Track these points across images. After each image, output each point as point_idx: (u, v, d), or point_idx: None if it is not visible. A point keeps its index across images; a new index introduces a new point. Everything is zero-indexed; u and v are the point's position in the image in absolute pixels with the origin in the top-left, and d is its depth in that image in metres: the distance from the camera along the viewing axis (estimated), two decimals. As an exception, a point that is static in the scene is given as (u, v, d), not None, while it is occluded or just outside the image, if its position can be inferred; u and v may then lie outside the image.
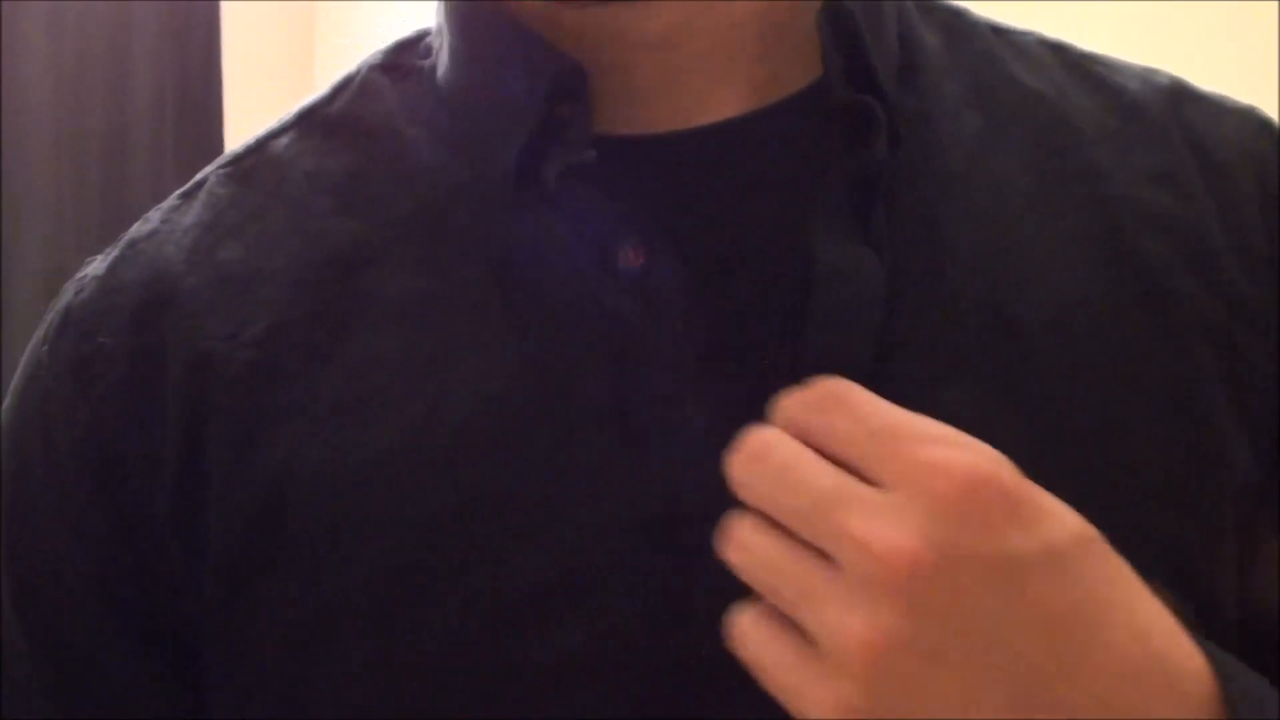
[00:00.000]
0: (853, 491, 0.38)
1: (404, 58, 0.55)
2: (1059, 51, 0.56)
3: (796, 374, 0.43)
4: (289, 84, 2.98)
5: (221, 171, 0.54)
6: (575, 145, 0.47)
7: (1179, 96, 0.55)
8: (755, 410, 0.42)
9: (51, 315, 0.53)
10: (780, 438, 0.39)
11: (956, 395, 0.47)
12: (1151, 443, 0.48)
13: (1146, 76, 0.56)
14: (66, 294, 0.53)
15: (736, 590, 0.40)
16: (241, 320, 0.49)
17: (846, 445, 0.39)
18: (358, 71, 0.56)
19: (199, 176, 0.55)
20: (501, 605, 0.45)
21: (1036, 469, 0.40)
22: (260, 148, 0.54)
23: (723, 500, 0.41)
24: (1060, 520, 0.38)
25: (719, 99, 0.50)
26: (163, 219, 0.53)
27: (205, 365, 0.48)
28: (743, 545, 0.39)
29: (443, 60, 0.53)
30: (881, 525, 0.37)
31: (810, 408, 0.40)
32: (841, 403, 0.39)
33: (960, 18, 0.56)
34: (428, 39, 0.55)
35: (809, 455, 0.39)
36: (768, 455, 0.39)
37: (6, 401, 0.53)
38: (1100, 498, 0.42)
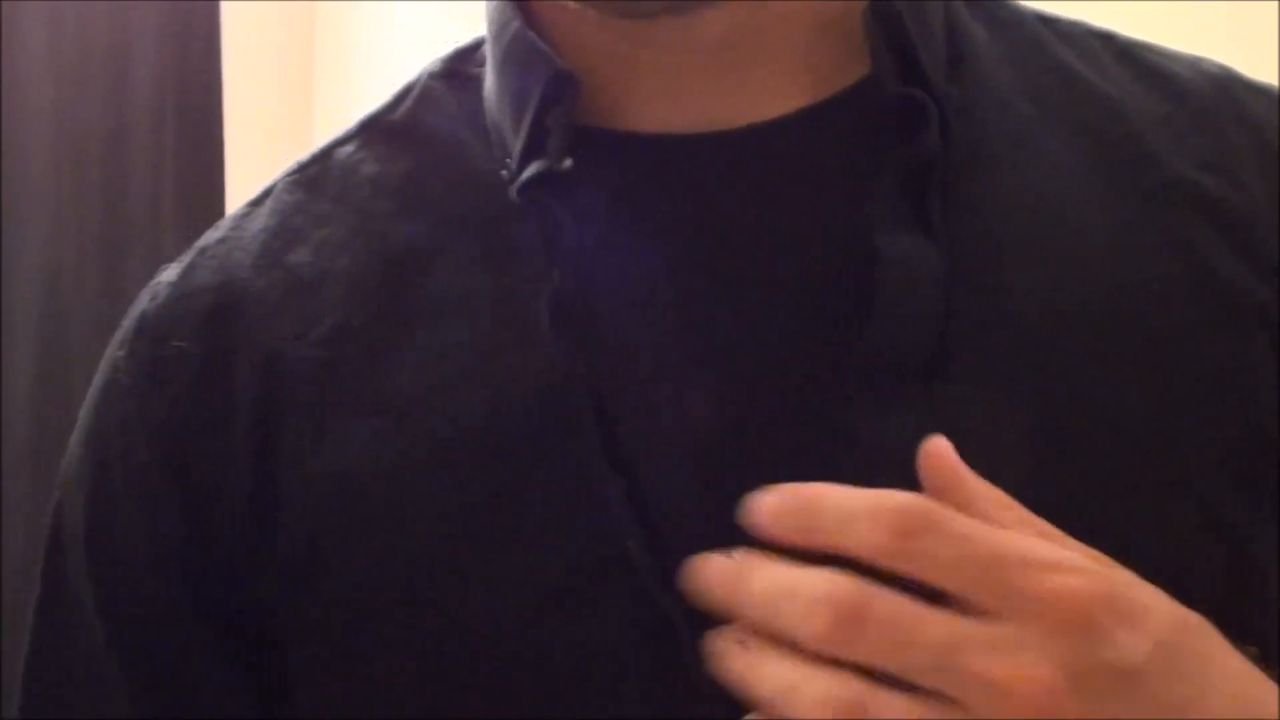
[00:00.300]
0: (966, 634, 0.38)
1: (460, 65, 0.57)
2: (1107, 40, 0.57)
3: (858, 365, 0.45)
4: (289, 84, 2.98)
5: (289, 179, 0.57)
6: (554, 153, 0.48)
7: (1229, 83, 0.56)
8: (817, 401, 0.45)
9: (127, 321, 0.55)
10: (874, 593, 0.38)
11: (1013, 384, 0.48)
12: (1206, 427, 0.49)
13: (1195, 63, 0.56)
14: (142, 300, 0.56)
15: None
16: (308, 321, 0.51)
17: (947, 574, 0.39)
18: (418, 80, 0.57)
19: (268, 184, 0.57)
20: (547, 588, 0.46)
21: (1095, 456, 0.43)
22: (325, 155, 0.56)
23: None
24: (1163, 614, 0.40)
25: (772, 96, 0.51)
26: (232, 226, 0.55)
27: (274, 364, 0.50)
28: (866, 711, 0.38)
29: (487, 67, 0.55)
30: (1010, 660, 0.38)
31: (898, 532, 0.39)
32: (935, 527, 0.39)
33: (1007, 8, 0.57)
34: (484, 47, 0.57)
35: (909, 607, 0.38)
36: (867, 614, 0.38)
37: (85, 404, 0.55)
38: (1157, 482, 0.45)
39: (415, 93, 0.57)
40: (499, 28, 0.54)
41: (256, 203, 0.56)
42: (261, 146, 2.89)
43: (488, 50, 0.55)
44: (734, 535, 0.41)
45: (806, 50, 0.51)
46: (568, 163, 0.48)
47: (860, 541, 0.39)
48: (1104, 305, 0.50)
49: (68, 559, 0.55)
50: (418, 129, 0.55)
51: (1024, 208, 0.51)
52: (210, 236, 0.56)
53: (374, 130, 0.56)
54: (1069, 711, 0.38)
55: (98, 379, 0.55)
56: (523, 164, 0.49)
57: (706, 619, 0.42)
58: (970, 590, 0.38)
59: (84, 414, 0.55)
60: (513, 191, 0.49)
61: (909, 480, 0.41)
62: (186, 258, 0.56)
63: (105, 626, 0.53)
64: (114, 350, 0.55)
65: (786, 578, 0.39)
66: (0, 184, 2.25)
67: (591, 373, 0.47)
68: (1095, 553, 0.41)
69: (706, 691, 0.42)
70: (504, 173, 0.51)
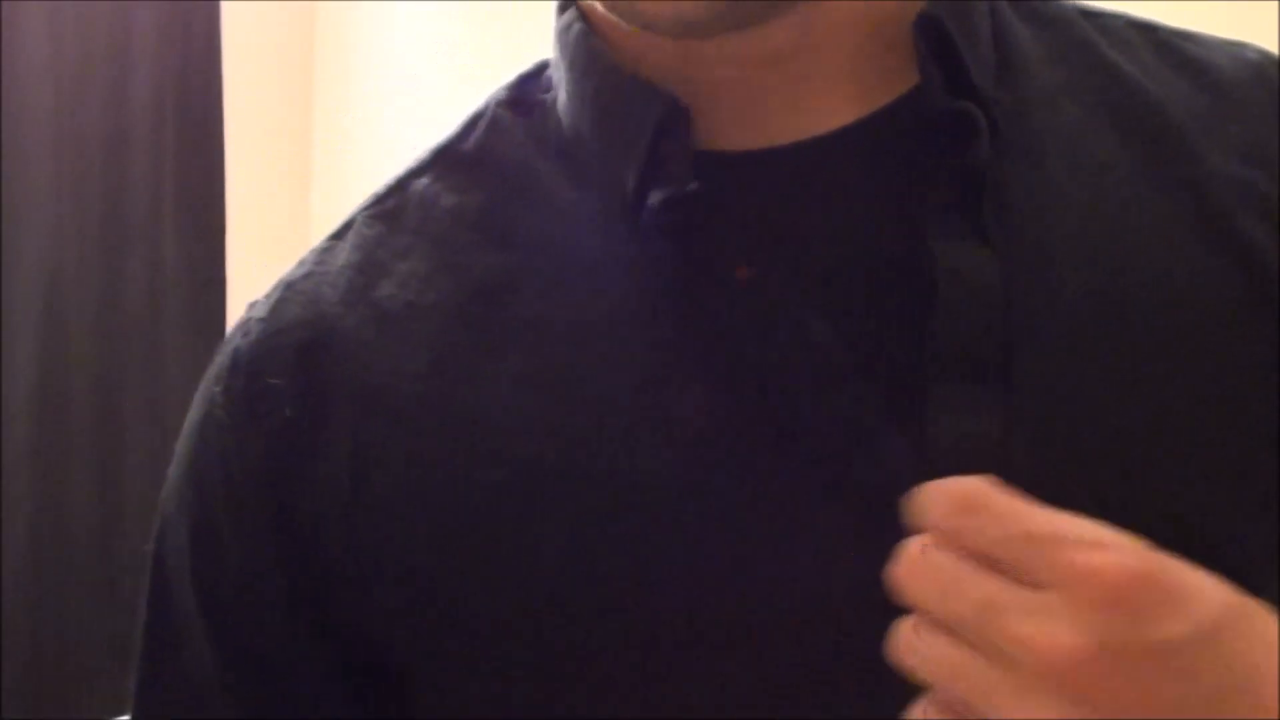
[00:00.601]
0: (1011, 596, 0.40)
1: (526, 92, 0.58)
2: (1147, 31, 0.58)
3: (922, 374, 0.48)
4: (289, 84, 2.98)
5: (367, 213, 0.58)
6: (677, 179, 0.50)
7: (1269, 70, 0.56)
8: (893, 403, 0.48)
9: (221, 356, 0.57)
10: (935, 548, 0.42)
11: (1071, 380, 0.50)
12: (1261, 413, 0.51)
13: (1234, 51, 0.57)
14: (234, 337, 0.57)
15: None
16: (403, 356, 0.53)
17: (999, 549, 0.41)
18: (485, 108, 0.59)
19: (346, 218, 0.58)
20: (635, 567, 0.49)
21: (1155, 445, 0.45)
22: (401, 187, 0.58)
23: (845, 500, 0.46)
24: (1208, 597, 0.40)
25: (827, 110, 0.52)
26: (315, 260, 0.57)
27: (374, 400, 0.52)
28: (912, 648, 0.42)
29: (561, 97, 0.56)
30: (1043, 626, 0.39)
31: (954, 512, 0.41)
32: (986, 507, 0.41)
33: (1051, 6, 0.58)
34: (548, 72, 0.58)
35: (966, 564, 0.41)
36: (926, 565, 0.42)
37: (182, 437, 0.57)
38: (1218, 470, 0.47)
39: (484, 121, 0.58)
40: (586, 60, 0.54)
41: (337, 236, 0.58)
42: (261, 146, 2.89)
43: (562, 78, 0.56)
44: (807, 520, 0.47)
45: (859, 62, 0.52)
46: (692, 185, 0.50)
47: (928, 521, 0.42)
48: (1157, 298, 0.51)
49: (172, 587, 0.56)
50: (489, 157, 0.56)
51: (1074, 207, 0.52)
52: (294, 272, 0.57)
53: (447, 160, 0.58)
54: (1099, 683, 0.39)
55: (194, 413, 0.57)
56: (636, 194, 0.51)
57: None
58: (1018, 563, 0.40)
59: (182, 446, 0.57)
60: (640, 215, 0.51)
61: (982, 473, 0.43)
62: (274, 294, 0.57)
63: (214, 652, 0.55)
64: (210, 385, 0.56)
65: None
66: (0, 184, 2.25)
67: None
68: (1143, 542, 0.43)
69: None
70: (590, 201, 0.53)
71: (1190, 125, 0.54)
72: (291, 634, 0.54)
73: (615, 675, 0.49)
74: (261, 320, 0.56)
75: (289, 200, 3.00)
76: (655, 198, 0.51)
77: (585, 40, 0.55)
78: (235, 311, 2.72)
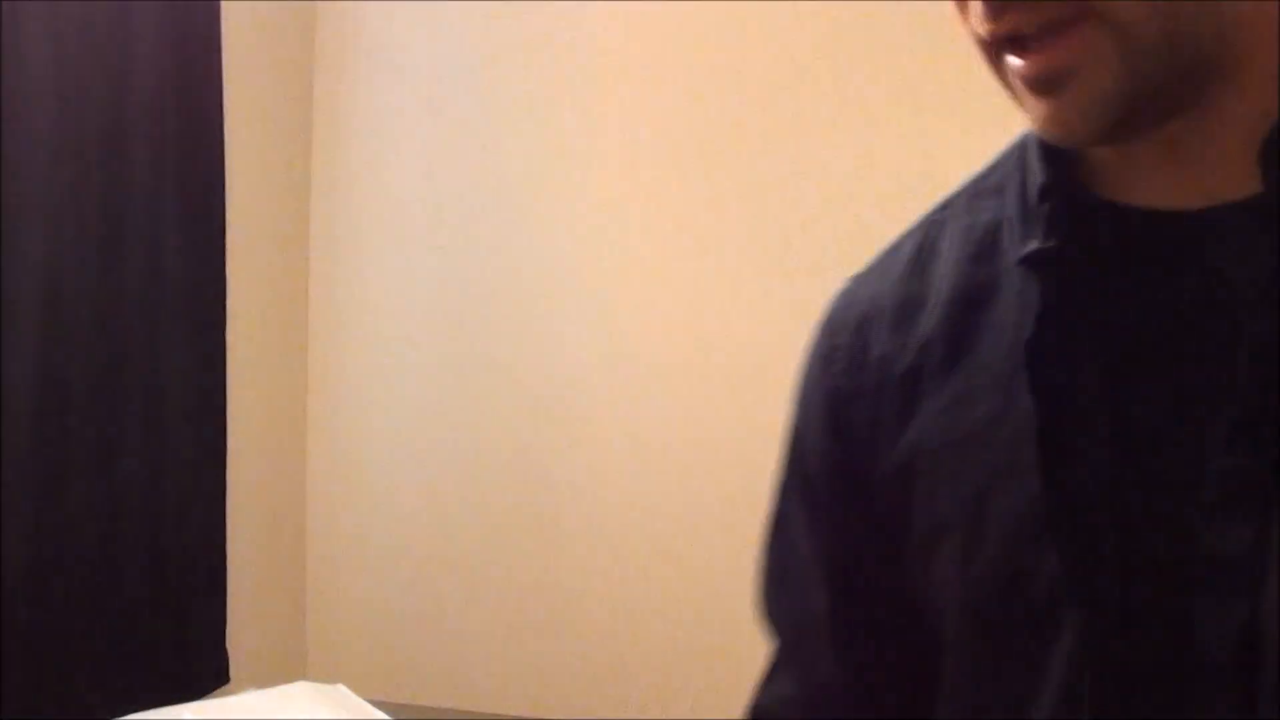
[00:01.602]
0: None
1: (1025, 158, 0.71)
2: None
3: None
4: (289, 84, 2.98)
5: (929, 218, 0.75)
6: (1044, 237, 0.65)
7: None
8: (1195, 478, 0.60)
9: (821, 315, 0.78)
10: None
11: None
12: None
13: None
14: (831, 301, 0.78)
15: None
16: (907, 334, 0.71)
17: None
18: (1009, 154, 0.72)
19: (907, 230, 0.76)
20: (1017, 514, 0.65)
21: None
22: (945, 206, 0.75)
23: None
24: None
25: (1217, 185, 0.62)
26: (877, 259, 0.77)
27: (889, 362, 0.72)
28: None
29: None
30: None
31: None
32: None
33: None
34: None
35: None
36: None
37: (799, 374, 0.79)
38: None
39: (1001, 165, 0.72)
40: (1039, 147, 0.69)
41: (897, 244, 0.76)
42: (261, 146, 2.89)
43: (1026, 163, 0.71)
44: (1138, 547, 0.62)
45: (1240, 149, 0.61)
46: (1041, 246, 0.65)
47: None
48: None
49: (788, 483, 0.79)
50: (997, 191, 0.71)
51: None
52: (863, 266, 0.77)
53: (975, 188, 0.73)
54: None
55: (806, 352, 0.79)
56: (1024, 236, 0.67)
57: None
58: None
59: (795, 389, 0.79)
60: (1021, 250, 0.66)
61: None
62: (849, 279, 0.78)
63: (808, 539, 0.77)
64: (813, 335, 0.78)
65: None
66: (0, 184, 2.25)
67: (1049, 402, 0.64)
68: None
69: None
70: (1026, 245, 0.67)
71: None
72: (854, 523, 0.74)
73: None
74: (842, 293, 0.77)
75: (289, 200, 3.00)
76: (1028, 249, 0.66)
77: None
78: (235, 311, 2.72)
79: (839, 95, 2.63)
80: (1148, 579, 0.61)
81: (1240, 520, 0.58)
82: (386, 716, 1.74)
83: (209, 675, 2.64)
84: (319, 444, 3.05)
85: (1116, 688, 0.61)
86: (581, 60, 2.79)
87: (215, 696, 2.53)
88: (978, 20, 0.61)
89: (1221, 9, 0.59)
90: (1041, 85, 0.60)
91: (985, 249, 0.70)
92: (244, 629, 2.76)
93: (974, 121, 2.54)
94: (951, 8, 0.64)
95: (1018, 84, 0.62)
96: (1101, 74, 0.59)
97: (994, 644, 0.67)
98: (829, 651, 0.76)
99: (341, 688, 1.88)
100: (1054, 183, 0.65)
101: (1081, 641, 0.62)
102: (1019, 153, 0.70)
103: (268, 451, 2.94)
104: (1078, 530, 0.62)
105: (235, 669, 2.69)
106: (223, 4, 2.66)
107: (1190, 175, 0.63)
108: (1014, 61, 0.61)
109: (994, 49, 0.62)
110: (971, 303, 0.69)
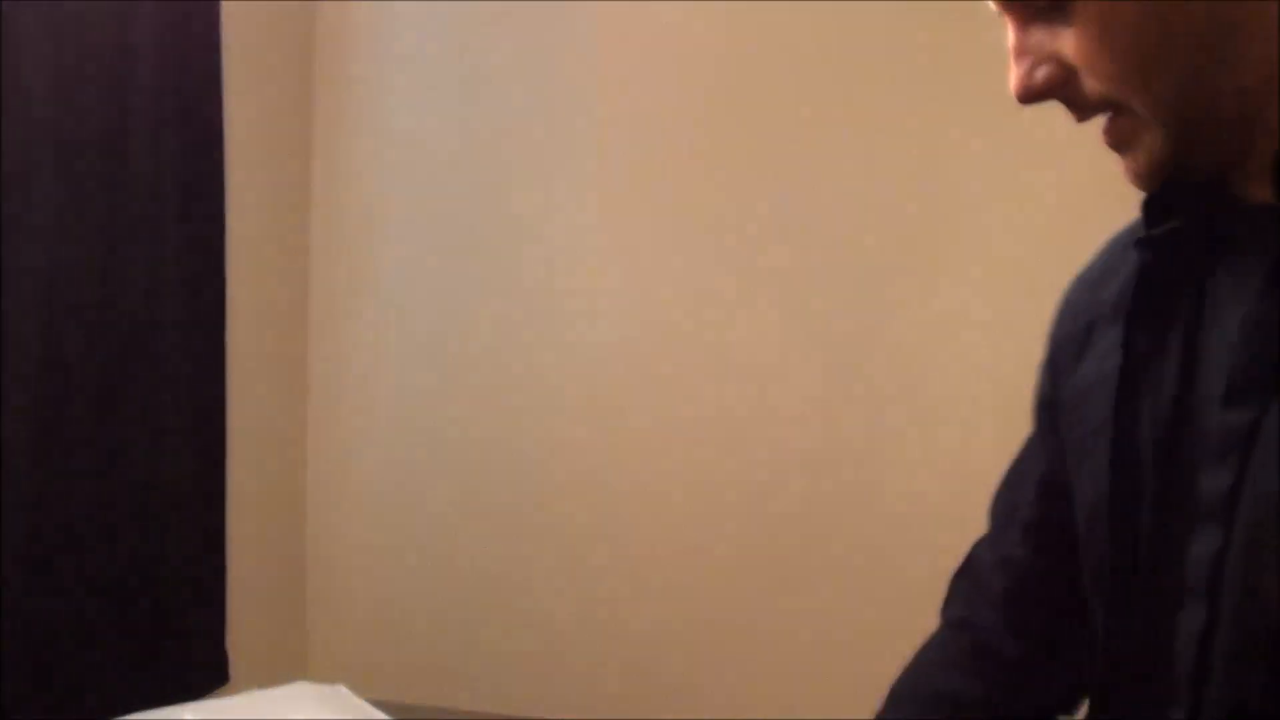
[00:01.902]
0: None
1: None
2: None
3: None
4: (289, 84, 2.98)
5: (1119, 238, 0.94)
6: (1147, 225, 0.84)
7: None
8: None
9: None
10: None
11: None
12: None
13: None
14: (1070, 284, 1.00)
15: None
16: (1070, 326, 0.94)
17: None
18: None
19: (1107, 241, 0.97)
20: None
21: None
22: (1128, 231, 0.92)
23: None
24: None
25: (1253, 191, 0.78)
26: (1095, 257, 0.96)
27: (1082, 314, 0.93)
28: None
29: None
30: None
31: None
32: None
33: None
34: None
35: None
36: None
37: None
38: None
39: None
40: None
41: (1105, 249, 0.96)
42: (261, 146, 2.89)
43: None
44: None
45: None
46: (1148, 233, 0.84)
47: None
48: None
49: (1033, 408, 1.00)
50: (1134, 230, 0.89)
51: None
52: (1089, 260, 0.97)
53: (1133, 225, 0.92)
54: None
55: None
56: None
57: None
58: None
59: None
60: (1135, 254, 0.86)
61: None
62: (1083, 267, 0.97)
63: (1031, 451, 1.01)
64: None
65: None
66: (0, 184, 2.25)
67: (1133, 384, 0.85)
68: None
69: None
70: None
71: None
72: (1046, 441, 0.97)
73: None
74: (1076, 279, 0.97)
75: (289, 200, 3.00)
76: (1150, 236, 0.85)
77: None
78: (235, 311, 2.72)
79: (839, 96, 2.64)
80: (1163, 516, 0.81)
81: (1225, 467, 0.76)
82: (386, 716, 1.74)
83: (209, 675, 2.64)
84: (319, 444, 3.05)
85: (1125, 602, 0.83)
86: (581, 60, 2.79)
87: (215, 696, 2.53)
88: None
89: (1236, 71, 0.73)
90: (1114, 150, 0.80)
91: (1110, 270, 0.92)
92: (244, 629, 2.76)
93: (975, 122, 2.54)
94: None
95: None
96: (1146, 146, 0.77)
97: (1085, 560, 0.89)
98: (1019, 535, 1.01)
99: (341, 688, 1.88)
100: (1174, 180, 0.79)
101: (1111, 566, 0.84)
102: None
103: (268, 452, 2.94)
104: (1127, 468, 0.83)
105: (235, 669, 2.70)
106: (223, 4, 2.66)
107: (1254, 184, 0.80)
108: None
109: None
110: (1094, 320, 0.91)
